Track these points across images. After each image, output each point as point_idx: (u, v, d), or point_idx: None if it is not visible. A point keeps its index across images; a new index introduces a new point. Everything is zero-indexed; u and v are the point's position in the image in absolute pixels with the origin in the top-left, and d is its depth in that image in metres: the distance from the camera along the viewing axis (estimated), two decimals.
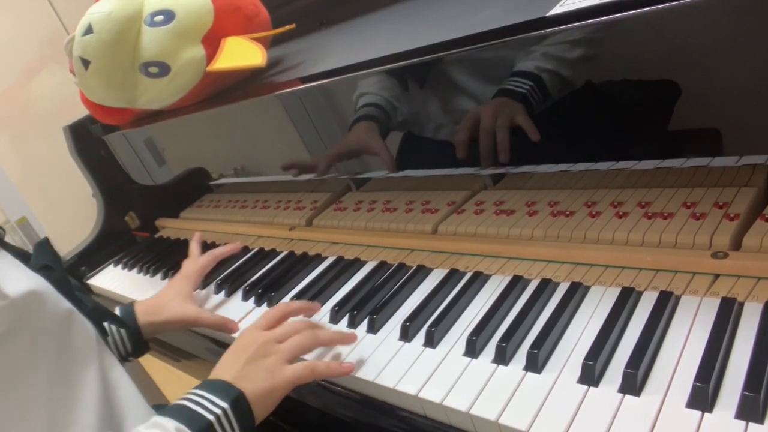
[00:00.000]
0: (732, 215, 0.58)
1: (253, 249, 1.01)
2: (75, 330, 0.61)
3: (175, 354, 1.03)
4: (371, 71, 0.73)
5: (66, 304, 0.61)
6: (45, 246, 0.69)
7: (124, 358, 0.83)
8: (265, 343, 0.62)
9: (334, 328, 0.71)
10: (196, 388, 0.58)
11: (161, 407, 0.60)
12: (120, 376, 0.64)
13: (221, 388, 0.57)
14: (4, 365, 0.52)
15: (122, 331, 0.81)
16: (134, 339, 0.82)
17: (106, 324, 0.73)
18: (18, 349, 0.53)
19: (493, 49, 0.61)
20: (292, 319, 0.68)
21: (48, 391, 0.55)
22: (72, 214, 1.78)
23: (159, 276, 1.09)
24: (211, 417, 0.54)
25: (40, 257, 0.66)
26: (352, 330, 0.69)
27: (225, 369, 0.60)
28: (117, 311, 0.83)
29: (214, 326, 0.81)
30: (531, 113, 0.65)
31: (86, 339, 0.62)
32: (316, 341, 0.64)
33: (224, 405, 0.55)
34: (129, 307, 0.84)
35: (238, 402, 0.56)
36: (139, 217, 1.37)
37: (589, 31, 0.55)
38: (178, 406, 0.56)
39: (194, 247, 0.97)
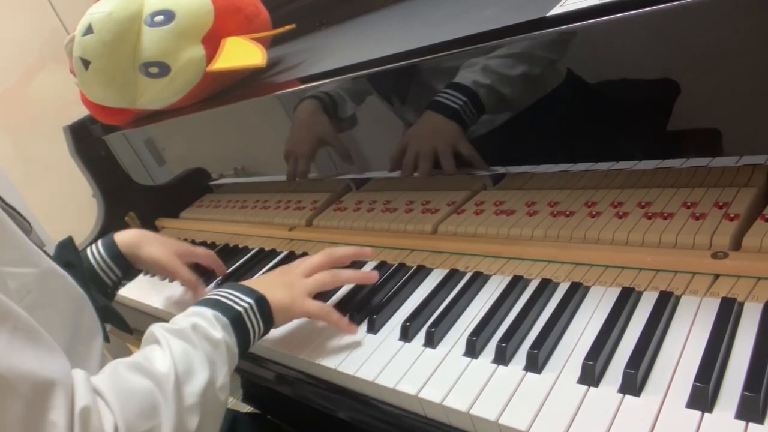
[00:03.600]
0: (732, 215, 0.58)
1: (253, 249, 1.01)
2: (86, 316, 0.65)
3: None
4: (370, 71, 0.73)
5: (81, 290, 0.65)
6: (68, 244, 0.75)
7: (117, 284, 0.86)
8: (292, 276, 0.70)
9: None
10: (224, 286, 0.66)
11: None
12: None
13: (246, 290, 0.65)
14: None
15: (106, 258, 0.84)
16: (120, 264, 0.85)
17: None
18: (46, 316, 0.55)
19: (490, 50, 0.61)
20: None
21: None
22: (72, 214, 1.77)
23: (159, 276, 1.09)
24: (240, 308, 0.63)
25: (63, 254, 0.71)
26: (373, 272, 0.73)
27: (251, 282, 0.68)
28: (99, 242, 0.86)
29: (187, 282, 0.88)
30: (463, 129, 0.69)
31: (95, 322, 0.66)
32: (336, 278, 0.72)
33: (250, 301, 0.64)
34: (110, 237, 0.87)
35: (261, 302, 0.64)
36: (139, 217, 1.37)
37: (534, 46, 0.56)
38: (211, 299, 0.63)
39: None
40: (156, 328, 0.58)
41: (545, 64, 0.60)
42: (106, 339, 0.71)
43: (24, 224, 0.64)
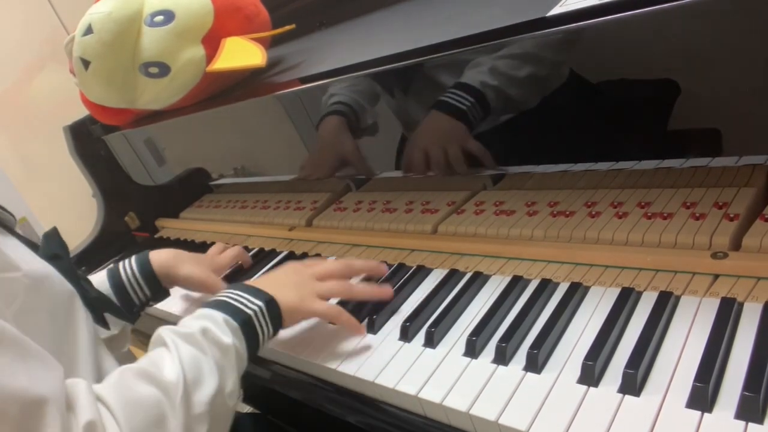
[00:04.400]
0: (732, 215, 0.58)
1: (253, 249, 1.01)
2: (77, 310, 0.63)
3: None
4: (370, 71, 0.73)
5: (69, 286, 0.63)
6: (54, 236, 0.73)
7: (144, 304, 0.84)
8: (303, 277, 0.69)
9: (334, 327, 0.71)
10: (233, 288, 0.65)
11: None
12: (109, 363, 0.66)
13: (255, 292, 0.64)
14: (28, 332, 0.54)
15: (138, 276, 0.82)
16: (151, 285, 0.83)
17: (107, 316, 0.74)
18: (35, 322, 0.55)
19: (494, 49, 0.61)
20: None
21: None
22: (72, 214, 1.77)
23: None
24: (250, 312, 0.61)
25: (49, 246, 0.69)
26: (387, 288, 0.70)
27: (260, 282, 0.67)
28: (133, 258, 0.83)
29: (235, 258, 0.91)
30: (470, 130, 0.68)
31: (86, 321, 0.64)
32: (351, 293, 0.70)
33: (260, 303, 0.62)
34: (144, 254, 0.84)
35: (270, 304, 0.63)
36: (139, 217, 1.37)
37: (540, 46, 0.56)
38: (220, 302, 0.62)
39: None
40: (165, 332, 0.57)
41: (551, 66, 0.60)
42: (105, 326, 0.70)
43: (7, 217, 0.63)
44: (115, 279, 0.81)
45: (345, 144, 0.85)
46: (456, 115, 0.68)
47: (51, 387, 0.45)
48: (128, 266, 0.82)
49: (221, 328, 0.58)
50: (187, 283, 0.85)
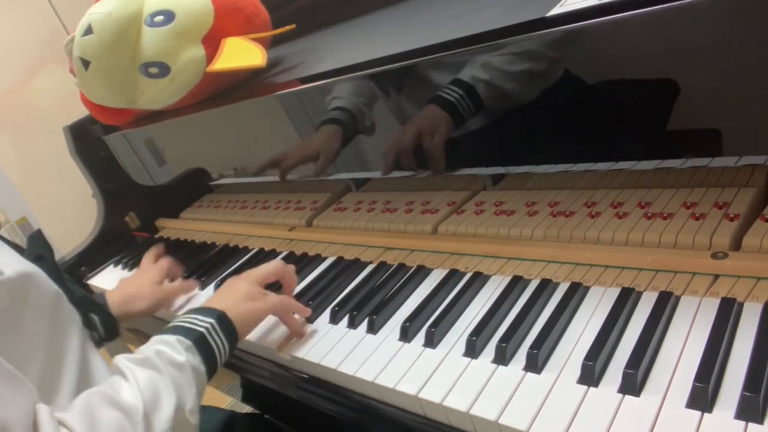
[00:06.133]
0: (732, 215, 0.58)
1: (253, 249, 1.01)
2: (63, 309, 0.65)
3: None
4: (370, 72, 0.73)
5: (54, 286, 0.65)
6: (38, 237, 0.74)
7: (97, 343, 0.85)
8: (246, 283, 0.71)
9: (334, 328, 0.71)
10: (183, 313, 0.67)
11: None
12: (97, 360, 0.67)
13: (205, 311, 0.66)
14: (9, 337, 0.55)
15: (94, 316, 0.84)
16: (107, 325, 0.85)
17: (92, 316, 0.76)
18: (20, 323, 0.56)
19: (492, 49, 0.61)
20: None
21: (42, 360, 0.58)
22: (72, 214, 1.77)
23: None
24: (201, 329, 0.63)
25: (34, 248, 0.71)
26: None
27: (209, 301, 0.70)
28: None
29: (182, 291, 0.92)
30: (458, 124, 0.68)
31: (71, 319, 0.66)
32: (288, 304, 0.73)
33: (210, 320, 0.64)
34: (100, 297, 0.88)
35: (222, 318, 0.65)
36: (139, 218, 1.37)
37: (536, 44, 0.55)
38: (172, 326, 0.64)
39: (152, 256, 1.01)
40: (120, 360, 0.58)
41: (546, 63, 0.60)
42: (91, 327, 0.72)
43: None
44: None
45: (331, 150, 0.87)
46: (445, 107, 0.68)
47: (15, 412, 0.45)
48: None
49: (174, 347, 0.59)
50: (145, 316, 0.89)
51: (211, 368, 0.62)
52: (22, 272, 0.59)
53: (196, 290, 0.95)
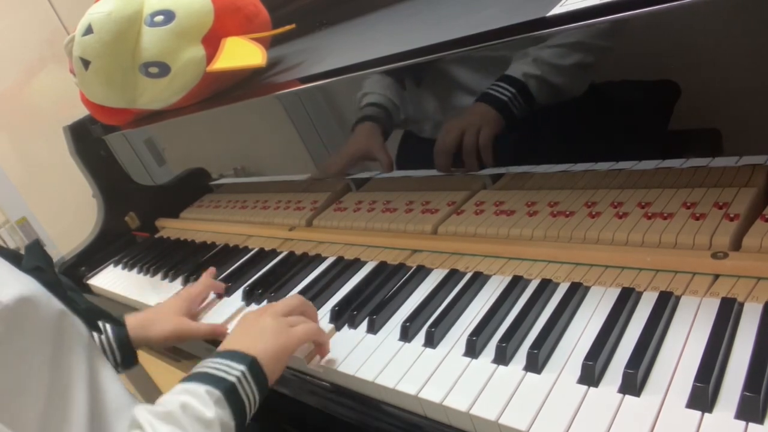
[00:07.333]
0: (732, 215, 0.58)
1: (253, 249, 1.01)
2: (67, 331, 0.60)
3: (175, 354, 1.03)
4: (371, 71, 0.73)
5: (58, 304, 0.60)
6: (36, 248, 0.69)
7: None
8: (270, 317, 0.66)
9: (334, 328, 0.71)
10: (212, 356, 0.62)
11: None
12: (109, 378, 0.63)
13: (235, 356, 0.61)
14: (3, 368, 0.51)
15: (112, 339, 0.82)
16: (123, 349, 0.82)
17: (100, 323, 0.74)
18: (15, 353, 0.52)
19: (494, 48, 0.61)
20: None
21: (44, 393, 0.54)
22: (72, 214, 1.77)
23: (159, 276, 1.09)
24: (232, 378, 0.58)
25: (32, 259, 0.66)
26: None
27: (235, 340, 0.64)
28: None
29: (208, 335, 0.83)
30: (511, 122, 0.65)
31: (78, 340, 0.62)
32: (318, 334, 0.67)
33: (242, 368, 0.59)
34: (120, 319, 0.84)
35: (253, 365, 0.60)
36: (139, 217, 1.37)
37: (585, 35, 0.54)
38: (201, 373, 0.59)
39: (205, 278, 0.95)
40: (141, 414, 0.53)
41: (596, 54, 0.57)
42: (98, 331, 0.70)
43: None
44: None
45: (375, 148, 0.82)
46: (497, 106, 0.66)
47: None
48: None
49: (203, 400, 0.55)
50: (164, 343, 0.85)
51: (240, 422, 0.57)
52: (20, 297, 0.54)
53: (218, 296, 0.91)
